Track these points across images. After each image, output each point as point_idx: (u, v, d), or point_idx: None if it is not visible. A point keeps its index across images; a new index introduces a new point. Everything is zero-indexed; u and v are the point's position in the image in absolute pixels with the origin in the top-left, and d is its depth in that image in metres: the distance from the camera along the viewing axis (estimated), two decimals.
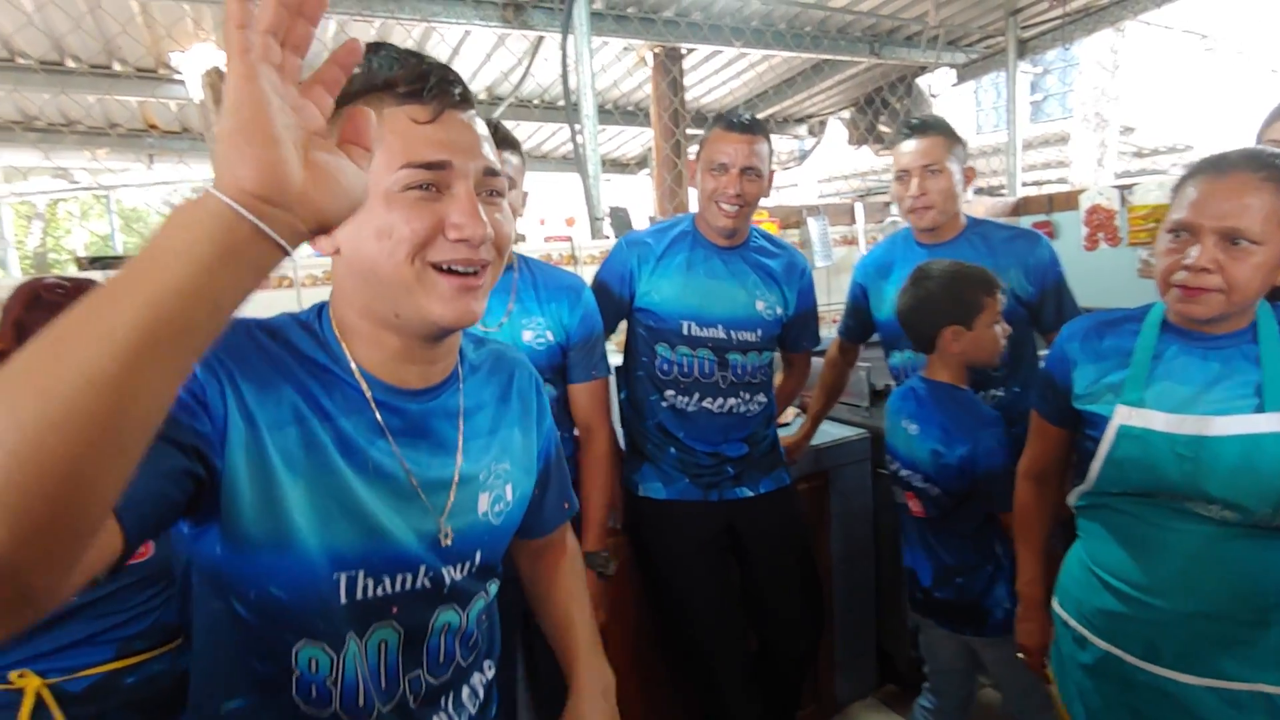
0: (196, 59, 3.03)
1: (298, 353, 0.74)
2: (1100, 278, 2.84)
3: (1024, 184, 3.76)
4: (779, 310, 1.75)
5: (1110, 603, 1.18)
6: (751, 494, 1.77)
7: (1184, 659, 1.10)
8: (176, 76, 3.35)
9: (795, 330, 1.85)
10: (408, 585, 0.77)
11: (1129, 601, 1.15)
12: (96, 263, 1.97)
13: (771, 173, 1.69)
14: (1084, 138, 7.45)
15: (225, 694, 0.73)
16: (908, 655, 2.34)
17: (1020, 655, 1.44)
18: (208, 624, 0.75)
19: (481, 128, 0.74)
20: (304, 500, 0.70)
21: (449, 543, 0.79)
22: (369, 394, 0.75)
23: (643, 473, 1.76)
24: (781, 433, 1.99)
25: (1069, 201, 3.25)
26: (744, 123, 1.62)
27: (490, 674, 0.91)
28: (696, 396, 1.70)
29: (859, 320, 2.00)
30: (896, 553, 2.27)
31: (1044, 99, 10.78)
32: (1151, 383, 1.12)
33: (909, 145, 1.75)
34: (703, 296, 1.68)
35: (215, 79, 3.06)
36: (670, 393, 1.71)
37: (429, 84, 0.70)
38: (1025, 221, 3.41)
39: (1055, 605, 1.31)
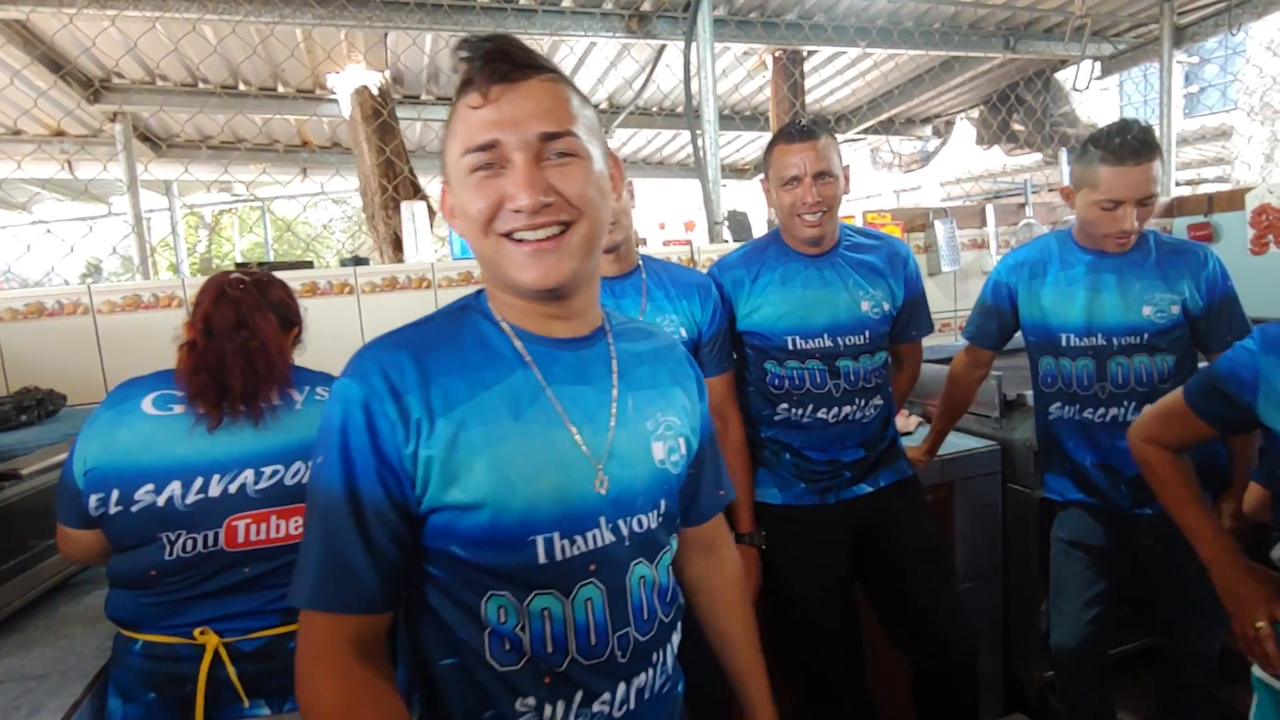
0: (349, 79, 3.30)
1: (457, 339, 0.81)
2: (1270, 284, 2.59)
3: (1178, 183, 3.47)
4: (886, 306, 1.71)
5: None
6: (871, 489, 1.72)
7: None
8: (330, 96, 3.66)
9: (904, 319, 1.78)
10: (599, 542, 0.80)
11: None
12: (261, 266, 2.19)
13: (846, 168, 1.65)
14: (1250, 131, 6.76)
15: (440, 654, 0.80)
16: (1038, 681, 2.22)
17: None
18: (414, 593, 0.82)
19: (546, 94, 0.76)
20: (488, 473, 0.76)
21: (604, 489, 0.81)
22: (523, 350, 0.81)
23: (758, 477, 1.76)
24: (905, 443, 1.92)
25: (1232, 201, 2.98)
26: (802, 129, 1.60)
27: (680, 634, 0.93)
28: (811, 407, 1.69)
29: (1000, 324, 1.87)
30: (1027, 572, 2.17)
31: (1201, 90, 9.87)
32: None
33: (1124, 172, 1.55)
34: (803, 309, 1.67)
35: (364, 96, 3.32)
36: (784, 405, 1.71)
37: (477, 71, 0.75)
38: (1180, 223, 3.15)
39: (1255, 671, 1.17)
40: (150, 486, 1.22)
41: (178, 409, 1.27)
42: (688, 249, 2.60)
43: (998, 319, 1.87)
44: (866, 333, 1.69)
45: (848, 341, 1.68)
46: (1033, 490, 2.12)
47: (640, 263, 1.64)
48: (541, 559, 0.77)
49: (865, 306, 1.68)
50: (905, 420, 2.35)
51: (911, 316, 1.80)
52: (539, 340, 0.82)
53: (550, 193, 0.74)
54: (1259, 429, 1.14)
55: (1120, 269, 1.69)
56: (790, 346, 1.68)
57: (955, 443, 2.17)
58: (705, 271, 1.78)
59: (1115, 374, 1.69)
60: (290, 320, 1.42)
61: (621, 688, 0.82)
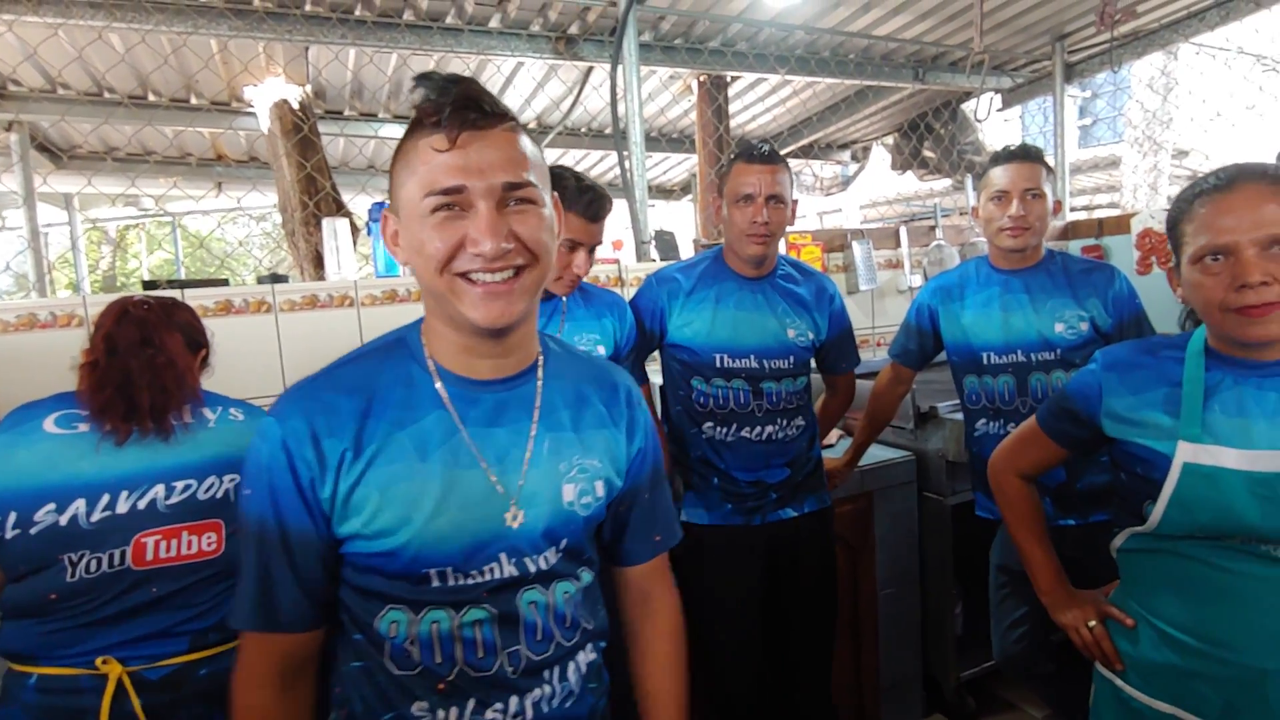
0: (268, 92, 3.21)
1: (386, 388, 0.85)
2: (1153, 302, 2.80)
3: (1072, 208, 3.73)
4: (810, 336, 1.78)
5: (1178, 660, 1.09)
6: (795, 514, 1.79)
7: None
8: (248, 109, 3.55)
9: (832, 353, 1.88)
10: (496, 575, 0.85)
11: (1202, 658, 1.07)
12: (168, 285, 2.10)
13: (795, 202, 1.73)
14: (1135, 161, 7.31)
15: (348, 657, 0.87)
16: (955, 682, 2.32)
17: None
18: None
19: (509, 144, 0.80)
20: (390, 510, 0.81)
21: (517, 524, 0.85)
22: (443, 393, 0.85)
23: (686, 499, 1.79)
24: (826, 454, 2.00)
25: (1120, 225, 3.21)
26: (764, 153, 1.66)
27: (594, 655, 0.96)
28: (734, 426, 1.74)
29: (921, 345, 1.98)
30: (942, 577, 2.27)
31: (1093, 123, 10.62)
32: (1210, 416, 1.05)
33: (1009, 168, 1.75)
34: (734, 328, 1.73)
35: (284, 110, 3.24)
36: (708, 425, 1.75)
37: (445, 115, 0.77)
38: (1075, 245, 3.38)
39: (1098, 668, 1.23)
40: (52, 506, 1.17)
41: (82, 427, 1.22)
42: (615, 268, 2.63)
43: (919, 339, 1.97)
44: (791, 358, 1.75)
45: (773, 365, 1.74)
46: (945, 498, 2.22)
47: None
48: (433, 585, 0.83)
49: (791, 334, 1.75)
50: (829, 435, 2.43)
51: (842, 350, 1.89)
52: (462, 382, 0.86)
53: (510, 239, 0.79)
54: (1103, 444, 1.20)
55: (1031, 288, 1.80)
56: (718, 364, 1.72)
57: (873, 454, 2.26)
58: (644, 281, 1.83)
59: (1035, 389, 1.79)
60: (197, 343, 1.39)
61: (514, 700, 0.87)
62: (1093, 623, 1.23)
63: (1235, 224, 0.99)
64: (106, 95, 3.47)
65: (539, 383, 0.91)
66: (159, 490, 1.22)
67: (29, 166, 3.71)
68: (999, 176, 1.77)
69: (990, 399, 1.85)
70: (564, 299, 1.63)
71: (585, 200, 1.51)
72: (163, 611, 1.22)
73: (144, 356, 1.26)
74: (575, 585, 0.92)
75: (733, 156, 1.72)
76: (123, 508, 1.20)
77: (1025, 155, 1.76)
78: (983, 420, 1.88)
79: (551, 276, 1.46)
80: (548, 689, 0.89)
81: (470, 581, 0.84)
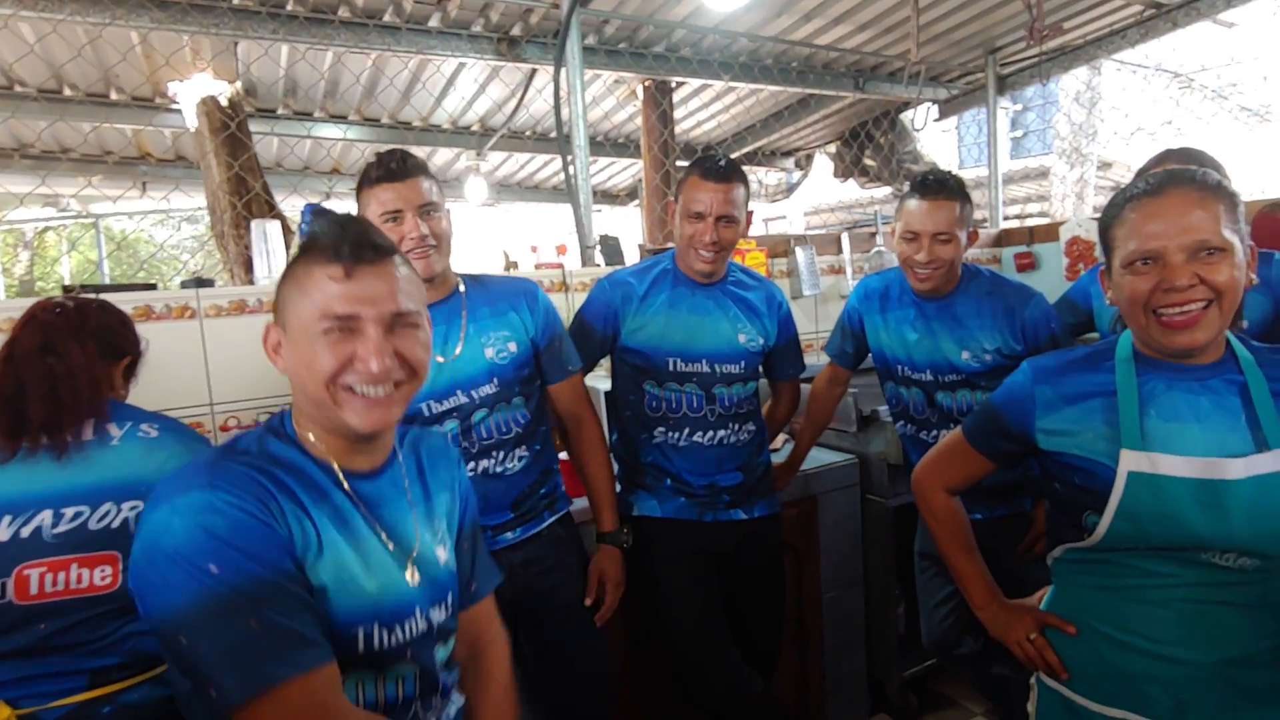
0: (194, 88, 3.07)
1: (294, 471, 0.90)
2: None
3: (1006, 217, 3.85)
4: (760, 341, 1.79)
5: (1125, 664, 1.09)
6: (745, 516, 1.79)
7: (1217, 714, 1.03)
8: (173, 105, 3.39)
9: (780, 360, 1.90)
10: (411, 633, 0.93)
11: (1150, 659, 1.06)
12: (85, 289, 1.97)
13: (749, 214, 1.73)
14: (1063, 172, 7.63)
15: None
16: (899, 683, 2.34)
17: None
18: None
19: (394, 277, 0.89)
20: (326, 570, 0.87)
21: (415, 582, 0.95)
22: (343, 481, 0.93)
23: (639, 495, 1.78)
24: (772, 459, 2.01)
25: (1049, 233, 3.33)
26: (719, 169, 1.64)
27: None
28: (686, 431, 1.73)
29: (856, 347, 2.00)
30: (885, 579, 2.29)
31: (1025, 135, 11.06)
32: (1147, 423, 1.04)
33: (921, 207, 1.71)
34: (687, 332, 1.72)
35: (211, 106, 3.11)
36: (660, 429, 1.74)
37: (344, 251, 0.86)
38: (1006, 253, 3.49)
39: (1041, 677, 1.23)
40: None
41: None
42: (560, 272, 2.59)
43: (853, 341, 2.00)
44: (742, 362, 1.75)
45: (724, 369, 1.73)
46: (887, 500, 2.25)
47: (460, 285, 1.57)
48: (360, 649, 0.88)
49: (742, 339, 1.75)
50: (774, 440, 2.44)
51: (786, 357, 1.91)
52: (349, 473, 0.94)
53: (394, 358, 0.88)
54: (1033, 455, 1.19)
55: (943, 316, 1.81)
56: (671, 368, 1.71)
57: (817, 457, 2.27)
58: (596, 283, 1.79)
59: (943, 402, 1.83)
60: (118, 348, 1.30)
61: None
62: (1033, 635, 1.21)
63: (1163, 229, 0.99)
64: (17, 89, 3.28)
65: (400, 461, 1.01)
66: (45, 517, 1.12)
67: None
68: (912, 214, 1.73)
69: (904, 407, 1.91)
70: (464, 300, 1.54)
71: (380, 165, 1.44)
72: (54, 652, 1.12)
73: (43, 366, 1.16)
74: (447, 648, 1.02)
75: (690, 167, 1.69)
76: (3, 535, 1.10)
77: (940, 191, 1.71)
78: (900, 423, 1.95)
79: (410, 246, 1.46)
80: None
81: (394, 640, 0.90)
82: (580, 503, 1.77)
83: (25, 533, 1.11)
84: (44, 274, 10.26)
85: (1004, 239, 3.55)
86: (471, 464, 1.51)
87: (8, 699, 1.08)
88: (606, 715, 1.67)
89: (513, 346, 1.55)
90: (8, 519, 1.10)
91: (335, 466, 0.93)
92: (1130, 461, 1.03)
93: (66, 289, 1.98)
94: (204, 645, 0.76)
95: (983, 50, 3.68)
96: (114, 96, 3.47)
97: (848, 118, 4.73)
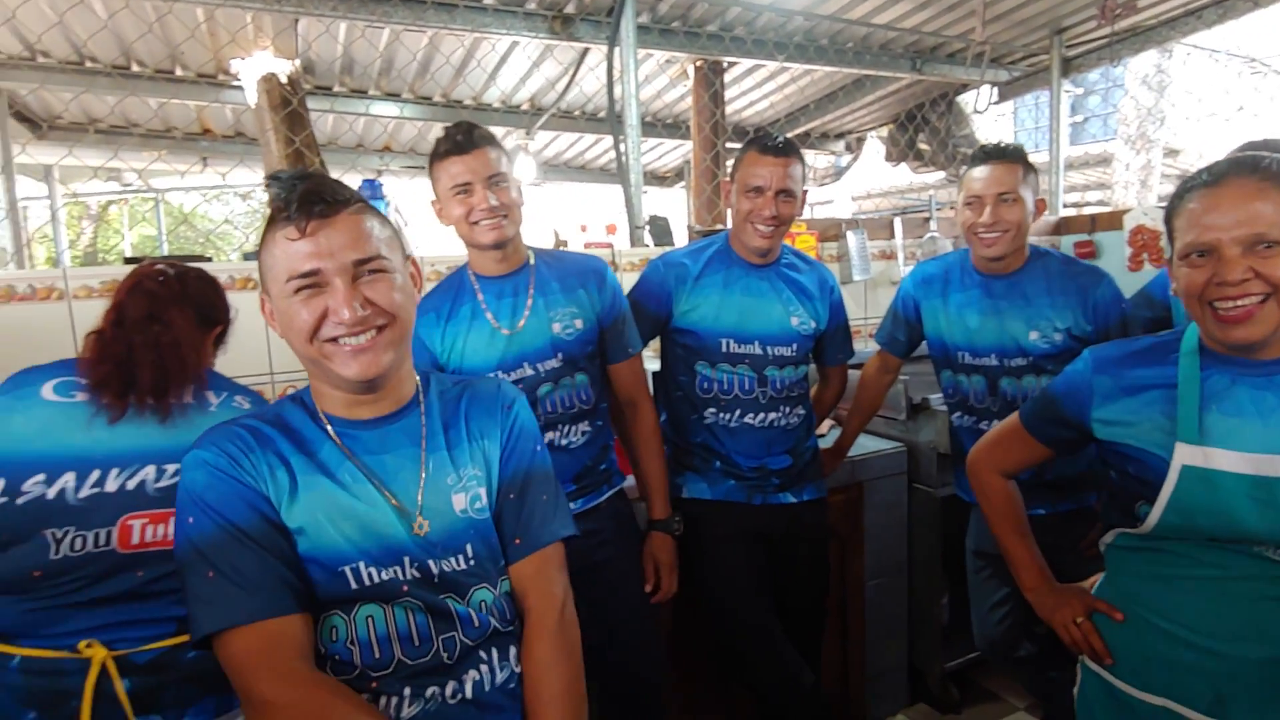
0: (255, 65, 3.13)
1: (284, 426, 0.98)
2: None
3: (1065, 204, 3.73)
4: (812, 325, 1.78)
5: (1169, 653, 1.09)
6: (794, 500, 1.79)
7: (1257, 710, 1.03)
8: (234, 82, 3.47)
9: (830, 344, 1.89)
10: (402, 575, 0.94)
11: (1193, 650, 1.06)
12: (137, 262, 2.03)
13: (805, 192, 1.72)
14: (1127, 159, 7.34)
15: None
16: (940, 675, 2.32)
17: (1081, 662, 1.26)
18: None
19: (354, 226, 0.92)
20: (305, 511, 0.93)
21: (424, 532, 0.97)
22: (330, 431, 0.98)
23: (687, 477, 1.79)
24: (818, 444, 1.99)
25: (1112, 221, 3.22)
26: (778, 145, 1.65)
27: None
28: (738, 413, 1.73)
29: (908, 334, 1.96)
30: (930, 569, 2.27)
31: (1086, 120, 10.66)
32: (1207, 418, 1.03)
33: (983, 171, 1.70)
34: (740, 314, 1.72)
35: (272, 84, 3.17)
36: (710, 410, 1.74)
37: (292, 209, 0.90)
38: (1066, 241, 3.38)
39: (1084, 660, 1.23)
40: (41, 477, 1.13)
41: (80, 396, 1.19)
42: (609, 252, 2.60)
43: (906, 329, 1.96)
44: (794, 345, 1.75)
45: (777, 351, 1.73)
46: (935, 490, 2.22)
47: (530, 259, 1.60)
48: (353, 584, 0.92)
49: (795, 321, 1.75)
50: (820, 424, 2.42)
51: (838, 341, 1.90)
52: (344, 422, 0.99)
53: (366, 305, 0.91)
54: (1090, 444, 1.19)
55: (1010, 294, 1.76)
56: (723, 349, 1.71)
57: (864, 444, 2.26)
58: (649, 264, 1.80)
59: (1005, 390, 1.78)
60: (212, 318, 1.35)
61: (451, 684, 0.95)
62: (1080, 618, 1.22)
63: (1219, 221, 0.98)
64: (88, 64, 3.39)
65: (421, 410, 1.03)
66: (149, 471, 1.18)
67: (7, 136, 3.62)
68: (974, 180, 1.72)
69: (963, 396, 1.85)
70: (532, 274, 1.58)
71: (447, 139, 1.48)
72: (149, 598, 1.18)
73: (150, 333, 1.21)
74: (487, 592, 1.01)
75: (746, 144, 1.70)
76: (111, 486, 1.16)
77: (1001, 156, 1.70)
78: (958, 413, 1.89)
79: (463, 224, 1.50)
80: (484, 669, 0.97)
81: (388, 576, 0.93)
82: (629, 479, 1.79)
83: (131, 485, 1.17)
84: (106, 247, 10.64)
85: (1063, 227, 3.44)
86: None
87: (104, 641, 1.14)
88: (657, 695, 1.69)
89: (579, 324, 1.57)
90: (115, 471, 1.16)
91: (322, 416, 0.98)
92: (1184, 455, 1.03)
93: (129, 260, 2.06)
94: (186, 586, 0.88)
95: (1049, 30, 3.55)
96: (179, 73, 3.56)
97: (903, 100, 4.62)
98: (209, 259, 2.17)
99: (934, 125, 4.60)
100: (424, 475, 0.99)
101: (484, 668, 0.97)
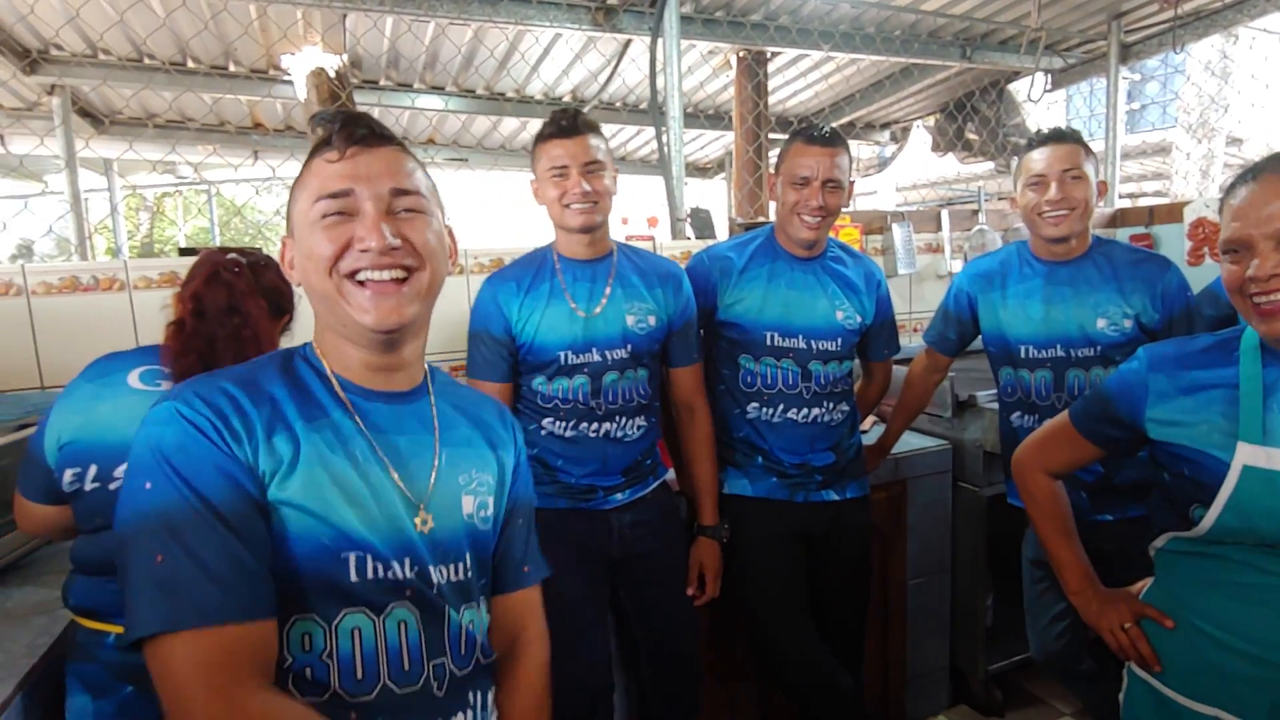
0: (305, 60, 3.20)
1: (290, 381, 0.83)
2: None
3: (1121, 195, 3.60)
4: (858, 319, 1.76)
5: (1221, 661, 1.06)
6: (838, 498, 1.77)
7: None
8: (285, 77, 3.55)
9: (875, 338, 1.86)
10: (403, 574, 0.81)
11: (1247, 660, 1.04)
12: (192, 253, 2.09)
13: (851, 183, 1.70)
14: (1189, 147, 7.07)
15: None
16: (983, 677, 2.29)
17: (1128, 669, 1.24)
18: None
19: (396, 159, 0.84)
20: (311, 484, 0.78)
21: (426, 529, 0.84)
22: (344, 397, 0.84)
23: (729, 472, 1.78)
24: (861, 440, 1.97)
25: (1171, 214, 3.10)
26: (824, 135, 1.64)
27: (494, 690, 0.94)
28: (781, 408, 1.72)
29: (960, 332, 1.91)
30: (974, 568, 2.23)
31: (1143, 107, 10.28)
32: (1270, 418, 1.01)
33: (1045, 151, 1.67)
34: (785, 307, 1.71)
35: (321, 78, 3.23)
36: (754, 405, 1.73)
37: (338, 131, 0.82)
38: (1122, 234, 3.27)
39: (1132, 667, 1.20)
40: None
41: (164, 385, 1.22)
42: (650, 244, 2.59)
43: (958, 327, 1.91)
44: (839, 340, 1.73)
45: (821, 346, 1.72)
46: (981, 489, 2.18)
47: (614, 248, 1.65)
48: (353, 576, 0.78)
49: (840, 316, 1.73)
50: (863, 420, 2.39)
51: (884, 336, 1.88)
52: (360, 391, 0.86)
53: (398, 237, 0.80)
54: (1143, 444, 1.16)
55: (1075, 280, 1.72)
56: (768, 342, 1.71)
57: (908, 441, 2.22)
58: (694, 256, 1.80)
59: (1073, 385, 1.72)
60: (281, 308, 1.37)
61: None
62: (1128, 624, 1.19)
63: (1253, 216, 0.98)
64: (147, 61, 3.49)
65: (431, 398, 0.92)
66: None
67: (70, 131, 3.76)
68: (1035, 160, 1.68)
69: (1025, 392, 1.79)
70: (614, 261, 1.62)
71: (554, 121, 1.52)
72: None
73: (230, 325, 1.24)
74: (475, 614, 0.90)
75: (792, 135, 1.69)
76: None
77: (1061, 137, 1.67)
78: (1018, 413, 1.82)
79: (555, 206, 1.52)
80: (470, 715, 0.85)
81: (390, 575, 0.80)
82: (670, 472, 1.81)
83: None
84: (162, 238, 11.00)
85: (1120, 219, 3.33)
86: (595, 425, 1.57)
87: None
88: (695, 683, 1.71)
89: (651, 320, 1.61)
90: None
91: (333, 378, 0.84)
92: (1246, 455, 1.01)
93: (183, 251, 2.12)
94: (128, 565, 0.71)
95: (1106, 15, 3.43)
96: (233, 69, 3.65)
97: (951, 88, 4.51)
98: (259, 250, 2.22)
99: (984, 114, 4.49)
100: (436, 466, 0.88)
101: (470, 713, 0.85)
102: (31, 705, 1.15)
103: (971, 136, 4.74)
